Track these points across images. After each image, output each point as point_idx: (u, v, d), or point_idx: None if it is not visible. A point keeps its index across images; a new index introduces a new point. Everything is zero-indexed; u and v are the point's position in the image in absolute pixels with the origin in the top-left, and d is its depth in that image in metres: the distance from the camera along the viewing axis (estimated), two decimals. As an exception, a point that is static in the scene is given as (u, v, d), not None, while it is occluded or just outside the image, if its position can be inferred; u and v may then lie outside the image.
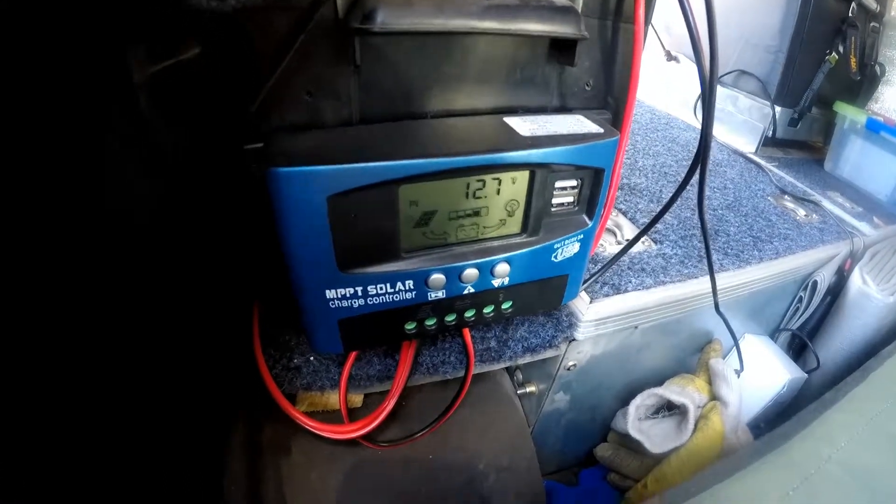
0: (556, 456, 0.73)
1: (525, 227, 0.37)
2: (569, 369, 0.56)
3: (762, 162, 0.93)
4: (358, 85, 0.33)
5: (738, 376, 0.65)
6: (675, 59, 1.06)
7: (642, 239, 0.63)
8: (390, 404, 0.43)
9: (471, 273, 0.36)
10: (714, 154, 0.93)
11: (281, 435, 0.48)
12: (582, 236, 0.40)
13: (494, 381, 0.59)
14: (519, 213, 0.37)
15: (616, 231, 0.64)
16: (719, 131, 1.01)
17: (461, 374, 0.48)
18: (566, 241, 0.39)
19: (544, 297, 0.42)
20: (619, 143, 0.39)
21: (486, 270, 0.36)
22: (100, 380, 0.33)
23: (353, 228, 0.32)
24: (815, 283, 0.70)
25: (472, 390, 0.56)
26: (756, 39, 0.92)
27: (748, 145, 0.97)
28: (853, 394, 0.54)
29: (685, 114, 1.07)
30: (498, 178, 0.34)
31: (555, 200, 0.38)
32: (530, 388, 0.60)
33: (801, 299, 0.73)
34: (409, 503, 0.50)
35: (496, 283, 0.38)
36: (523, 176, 0.35)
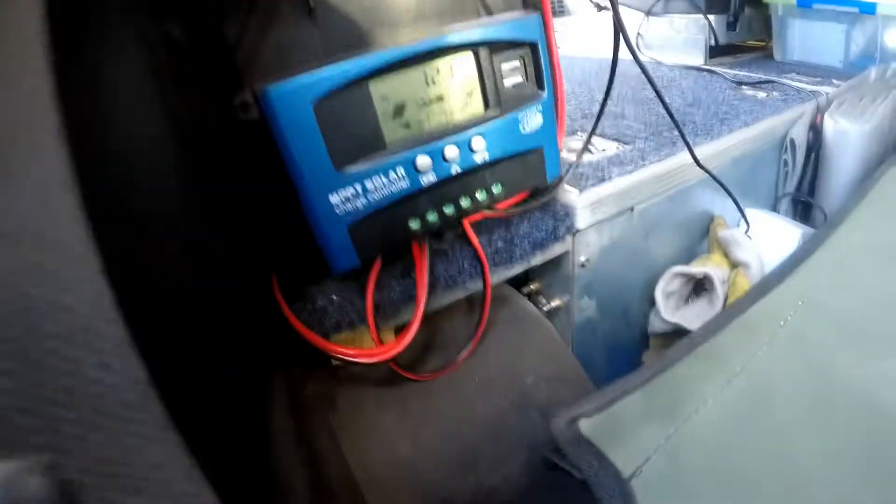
0: (604, 378, 0.74)
1: (487, 104, 0.42)
2: (583, 266, 0.58)
3: (714, 68, 0.97)
4: (318, 33, 0.39)
5: (749, 237, 0.67)
6: (606, 7, 1.14)
7: (616, 145, 0.67)
8: (419, 314, 0.46)
9: (452, 150, 0.40)
10: (665, 73, 0.99)
11: (323, 388, 0.50)
12: (541, 107, 0.44)
13: (517, 304, 0.61)
14: (477, 94, 0.41)
15: (591, 148, 0.68)
16: (666, 56, 1.06)
17: (479, 284, 0.51)
18: (527, 111, 0.43)
19: (528, 173, 0.46)
20: (546, 20, 0.44)
21: (465, 146, 0.41)
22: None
23: (341, 129, 0.37)
24: (793, 140, 0.73)
25: (498, 316, 0.58)
26: (672, -39, 0.99)
27: (696, 59, 1.02)
28: (860, 205, 0.57)
29: (628, 53, 1.13)
30: (449, 64, 0.39)
31: (506, 81, 0.43)
32: (555, 303, 0.63)
33: (786, 163, 0.76)
34: (466, 427, 0.51)
35: (477, 158, 0.42)
36: (468, 58, 0.40)
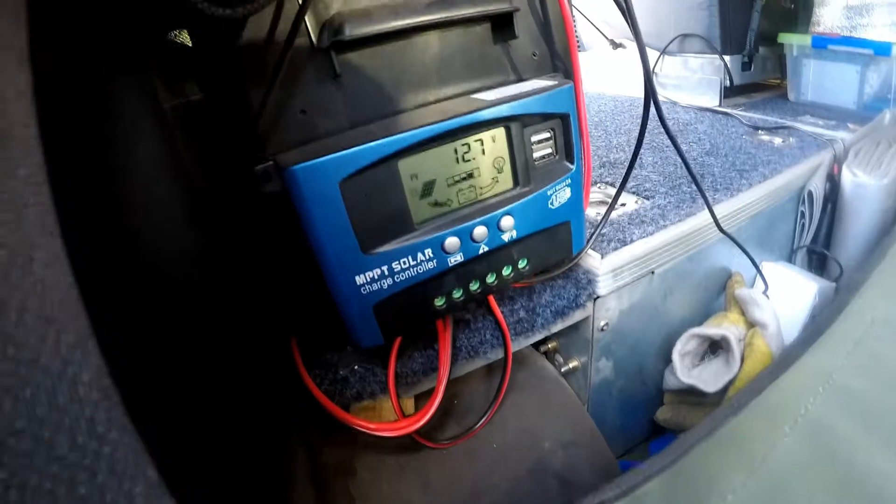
0: (620, 434, 0.73)
1: (516, 181, 0.41)
2: (602, 330, 0.57)
3: (729, 110, 0.97)
4: (343, 97, 0.38)
5: (767, 297, 0.66)
6: (621, 45, 1.14)
7: (635, 199, 0.67)
8: (441, 388, 0.45)
9: (481, 231, 0.39)
10: (681, 115, 0.98)
11: (343, 455, 0.49)
12: (570, 180, 0.43)
13: (536, 365, 0.61)
14: (507, 169, 0.40)
15: (608, 201, 0.67)
16: (681, 96, 1.06)
17: (500, 353, 0.50)
18: (556, 187, 0.42)
19: (554, 247, 0.45)
20: (576, 90, 0.43)
21: (494, 226, 0.40)
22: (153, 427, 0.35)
23: (368, 209, 0.35)
24: (811, 192, 0.72)
25: (516, 377, 0.57)
26: (687, 2, 0.99)
27: (711, 100, 1.02)
28: (879, 269, 0.55)
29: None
30: (479, 139, 0.38)
31: (536, 154, 0.42)
32: (573, 364, 0.62)
33: (803, 214, 0.75)
34: (484, 494, 0.50)
35: (506, 237, 0.41)
36: (500, 133, 0.39)
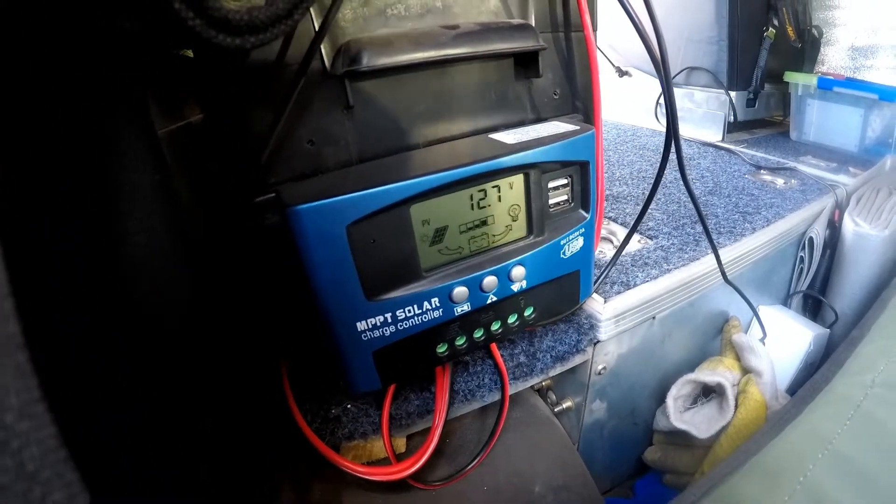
0: (607, 471, 0.72)
1: (531, 229, 0.39)
2: (599, 374, 0.56)
3: (731, 146, 0.97)
4: (353, 127, 0.35)
5: (763, 343, 0.66)
6: (627, 73, 1.13)
7: (638, 238, 0.65)
8: (436, 436, 0.43)
9: (490, 281, 0.37)
10: (684, 149, 0.97)
11: (331, 493, 0.47)
12: (584, 230, 0.41)
13: (529, 404, 0.59)
14: (522, 217, 0.39)
15: (611, 238, 0.66)
16: (684, 129, 1.05)
17: (497, 396, 0.48)
18: (570, 237, 0.41)
19: (562, 296, 0.43)
20: (596, 137, 0.41)
21: (504, 276, 0.38)
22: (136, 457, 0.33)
23: (375, 255, 0.33)
24: (811, 239, 0.72)
25: (509, 416, 0.56)
26: (696, 35, 0.98)
27: (714, 135, 1.02)
28: (878, 324, 0.55)
29: (648, 121, 1.13)
30: (497, 186, 0.36)
31: (552, 200, 0.40)
32: (566, 404, 0.60)
33: (802, 259, 0.75)
34: (473, 539, 0.48)
35: (515, 287, 0.39)
36: (518, 180, 0.37)
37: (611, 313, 0.51)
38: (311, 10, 0.32)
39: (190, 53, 0.38)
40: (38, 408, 0.14)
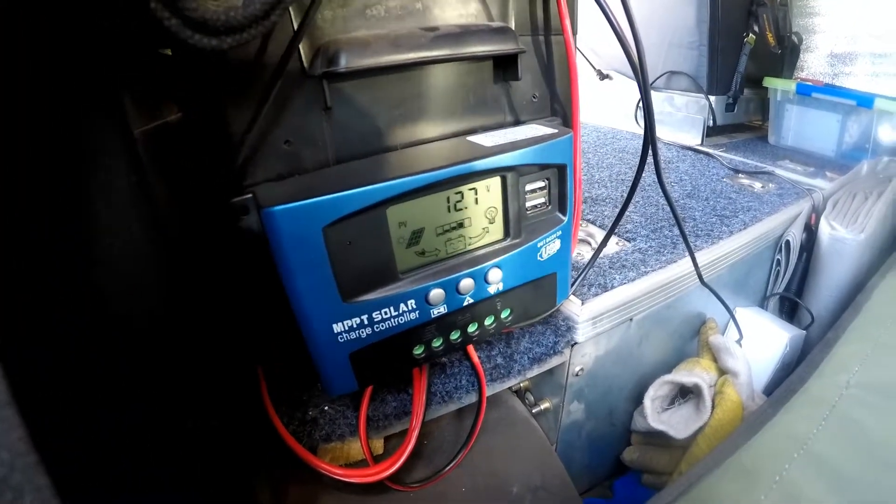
0: (586, 472, 0.72)
1: (507, 232, 0.39)
2: (577, 375, 0.57)
3: (710, 150, 0.98)
4: (331, 128, 0.35)
5: (740, 345, 0.67)
6: (608, 76, 1.14)
7: (616, 241, 0.66)
8: (413, 437, 0.43)
9: (467, 283, 0.37)
10: (663, 153, 0.99)
11: (308, 495, 0.47)
12: (560, 232, 0.42)
13: (507, 406, 0.59)
14: (499, 220, 0.39)
15: (589, 240, 0.67)
16: (663, 132, 1.07)
17: (474, 397, 0.48)
18: (547, 239, 0.41)
19: (539, 298, 0.44)
20: (574, 140, 0.42)
21: (481, 278, 0.38)
22: (110, 460, 0.32)
23: (351, 257, 0.33)
24: (788, 242, 0.74)
25: (487, 418, 0.56)
26: (677, 39, 1.00)
27: (693, 139, 1.03)
28: (852, 326, 0.56)
29: (628, 124, 1.14)
30: (474, 188, 0.36)
31: (529, 203, 0.40)
32: (544, 405, 0.61)
33: (778, 262, 0.76)
34: (449, 542, 0.48)
35: (492, 289, 0.39)
36: (495, 182, 0.37)
37: (588, 315, 0.52)
38: (291, 9, 0.32)
39: (168, 52, 0.37)
40: (6, 411, 0.13)
